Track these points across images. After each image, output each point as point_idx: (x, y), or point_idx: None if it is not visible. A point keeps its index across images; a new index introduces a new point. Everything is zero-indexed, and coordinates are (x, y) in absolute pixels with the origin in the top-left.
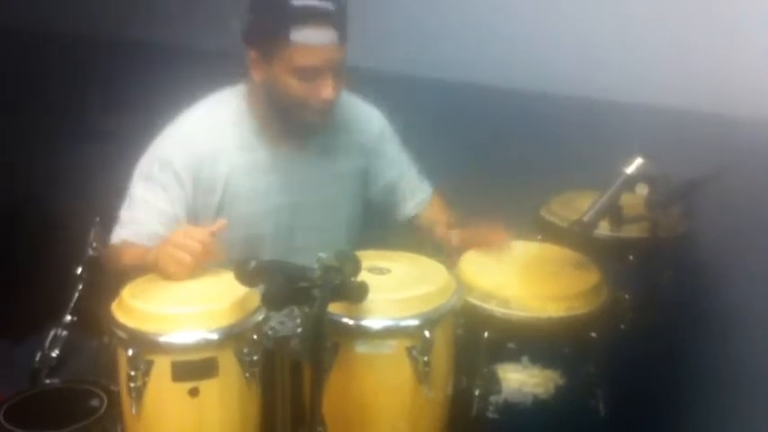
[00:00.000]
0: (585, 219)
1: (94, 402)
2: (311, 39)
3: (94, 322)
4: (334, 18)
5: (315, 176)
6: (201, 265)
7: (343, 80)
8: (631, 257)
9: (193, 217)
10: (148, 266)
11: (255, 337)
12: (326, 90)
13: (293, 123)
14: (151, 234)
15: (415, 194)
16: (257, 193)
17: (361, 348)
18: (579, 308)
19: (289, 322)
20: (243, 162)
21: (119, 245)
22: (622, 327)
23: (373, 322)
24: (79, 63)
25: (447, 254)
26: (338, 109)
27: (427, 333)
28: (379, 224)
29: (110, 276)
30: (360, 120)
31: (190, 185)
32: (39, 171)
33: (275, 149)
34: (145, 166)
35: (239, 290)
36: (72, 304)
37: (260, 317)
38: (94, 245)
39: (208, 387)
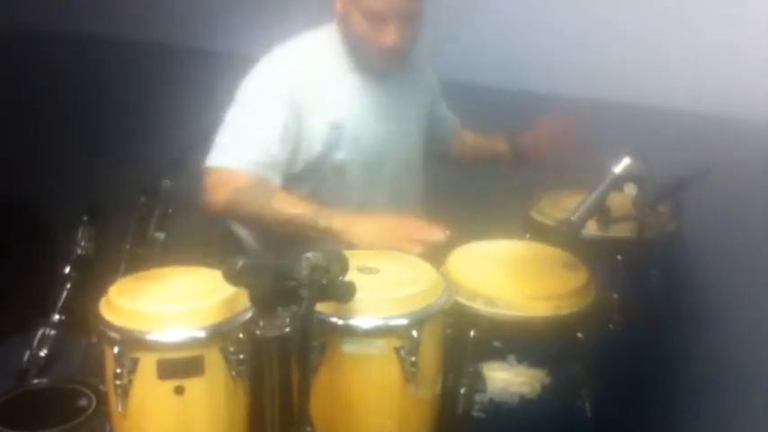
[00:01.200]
0: (573, 218)
1: (83, 402)
2: None
3: (83, 321)
4: None
5: (401, 108)
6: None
7: (414, 32)
8: (619, 257)
9: (294, 141)
10: (314, 229)
11: (242, 335)
12: (389, 36)
13: (362, 60)
14: (252, 163)
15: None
16: (353, 114)
17: (348, 348)
18: (567, 307)
19: (276, 321)
20: (341, 82)
21: (225, 170)
22: (610, 326)
23: (361, 322)
24: (70, 62)
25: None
26: (416, 50)
27: (415, 333)
28: None
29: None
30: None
31: (291, 104)
32: (26, 169)
33: (366, 75)
34: (244, 90)
35: (226, 288)
36: (60, 303)
37: (247, 316)
38: (83, 243)
39: (193, 385)
